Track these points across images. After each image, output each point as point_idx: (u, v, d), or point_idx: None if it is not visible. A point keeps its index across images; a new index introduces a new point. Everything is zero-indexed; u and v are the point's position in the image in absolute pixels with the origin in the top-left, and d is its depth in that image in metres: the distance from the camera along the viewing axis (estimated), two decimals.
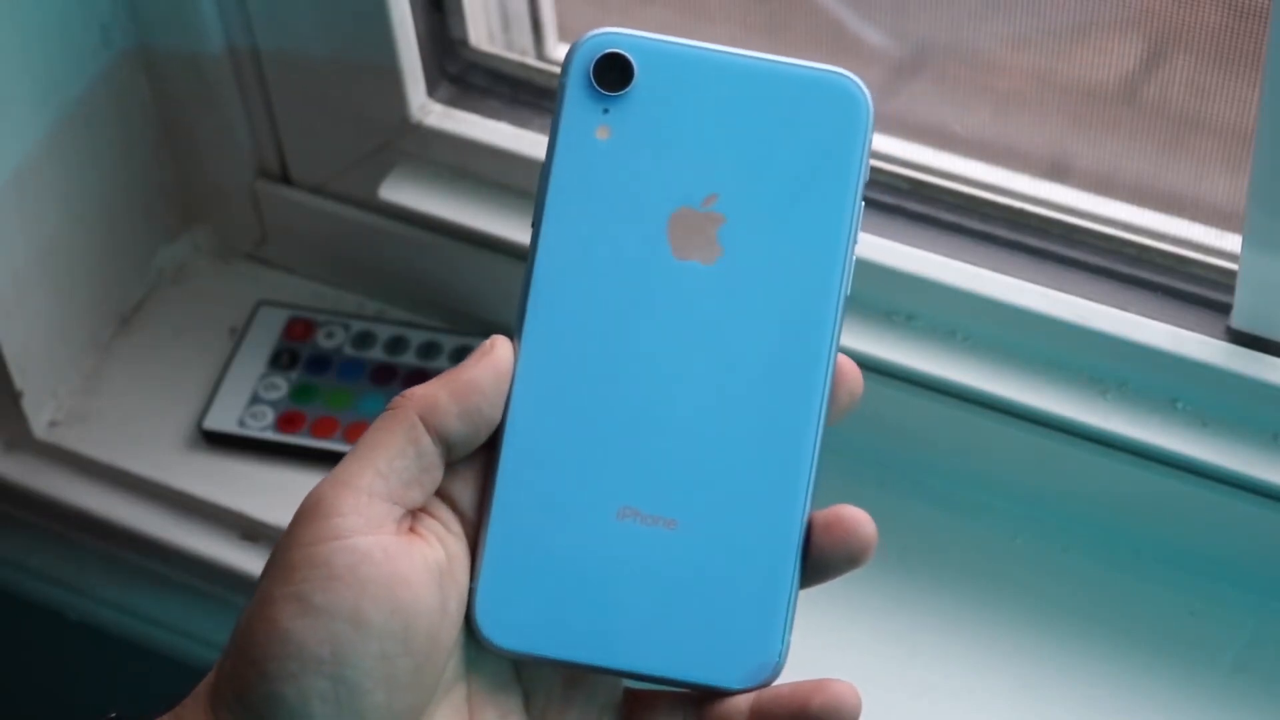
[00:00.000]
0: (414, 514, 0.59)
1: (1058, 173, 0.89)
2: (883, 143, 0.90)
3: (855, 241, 0.60)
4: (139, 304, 1.03)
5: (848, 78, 0.60)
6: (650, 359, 0.59)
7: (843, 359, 0.60)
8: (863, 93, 0.60)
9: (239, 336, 0.99)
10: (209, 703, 0.57)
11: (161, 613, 0.99)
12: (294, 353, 0.98)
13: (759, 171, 0.59)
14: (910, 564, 0.88)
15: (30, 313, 0.95)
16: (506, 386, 0.59)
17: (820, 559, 0.59)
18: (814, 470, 0.59)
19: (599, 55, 0.60)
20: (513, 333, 0.59)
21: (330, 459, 0.94)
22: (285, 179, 1.01)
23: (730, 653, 0.58)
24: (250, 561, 0.93)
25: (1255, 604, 0.85)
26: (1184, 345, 0.82)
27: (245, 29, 0.94)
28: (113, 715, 0.61)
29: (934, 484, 0.90)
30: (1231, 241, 0.84)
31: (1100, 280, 0.86)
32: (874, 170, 0.89)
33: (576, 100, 0.60)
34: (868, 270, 0.86)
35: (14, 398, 0.96)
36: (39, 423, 0.98)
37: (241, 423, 0.96)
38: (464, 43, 0.96)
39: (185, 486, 0.95)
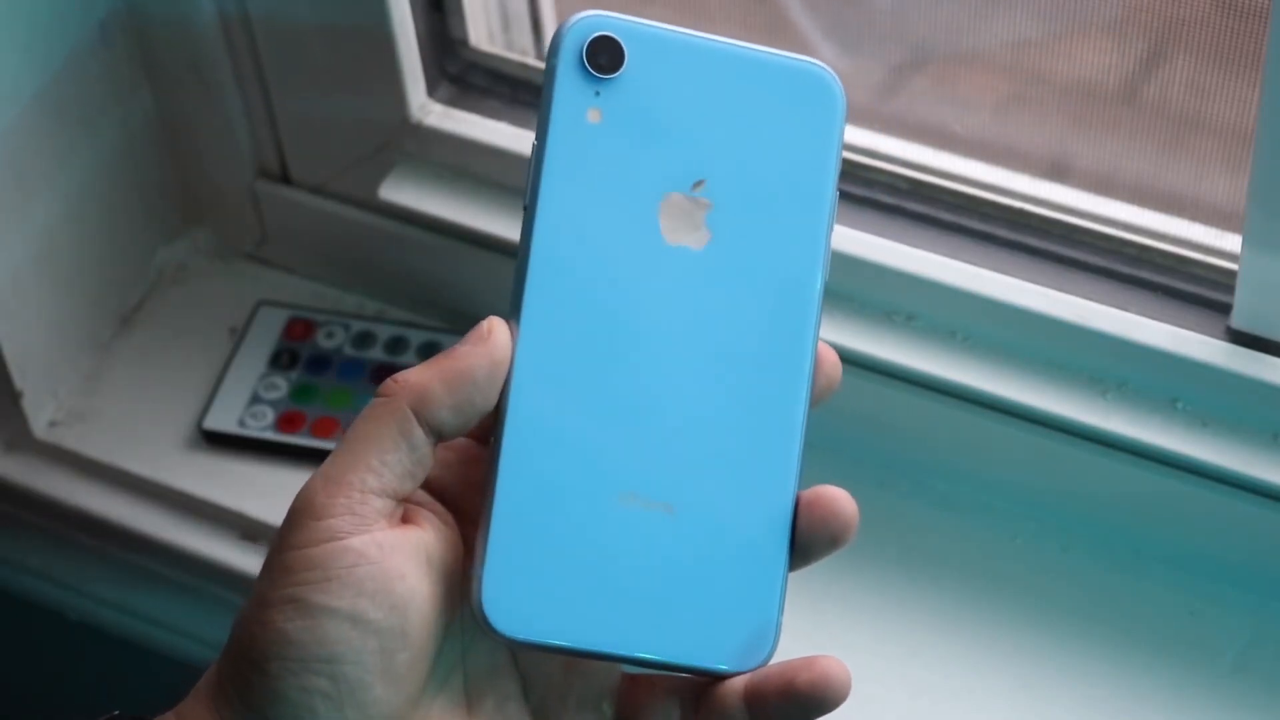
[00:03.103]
0: (403, 501, 0.59)
1: (1058, 173, 0.89)
2: (883, 143, 0.90)
3: (832, 228, 0.60)
4: (139, 304, 1.03)
5: (822, 69, 0.60)
6: (645, 344, 0.59)
7: (821, 346, 0.60)
8: (836, 84, 0.60)
9: (239, 336, 0.99)
10: (211, 701, 0.57)
11: (161, 613, 0.99)
12: (294, 353, 0.98)
13: (743, 157, 0.60)
14: (910, 564, 0.88)
15: (30, 313, 0.95)
16: (501, 375, 0.58)
17: (803, 540, 0.59)
18: (801, 453, 0.59)
19: (591, 37, 0.59)
20: (508, 315, 0.59)
21: None
22: (285, 179, 1.01)
23: (726, 635, 0.58)
24: (250, 561, 0.93)
25: (1255, 604, 0.85)
26: (1184, 345, 0.82)
27: (245, 27, 0.94)
28: (115, 713, 0.61)
29: (934, 484, 0.90)
30: (1231, 241, 0.84)
31: (1100, 280, 0.86)
32: (874, 170, 0.89)
33: (568, 82, 0.59)
34: (868, 270, 0.87)
35: (14, 398, 0.96)
36: (39, 423, 0.98)
37: (241, 423, 0.96)
38: (464, 43, 0.96)
39: (185, 486, 0.95)
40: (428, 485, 0.59)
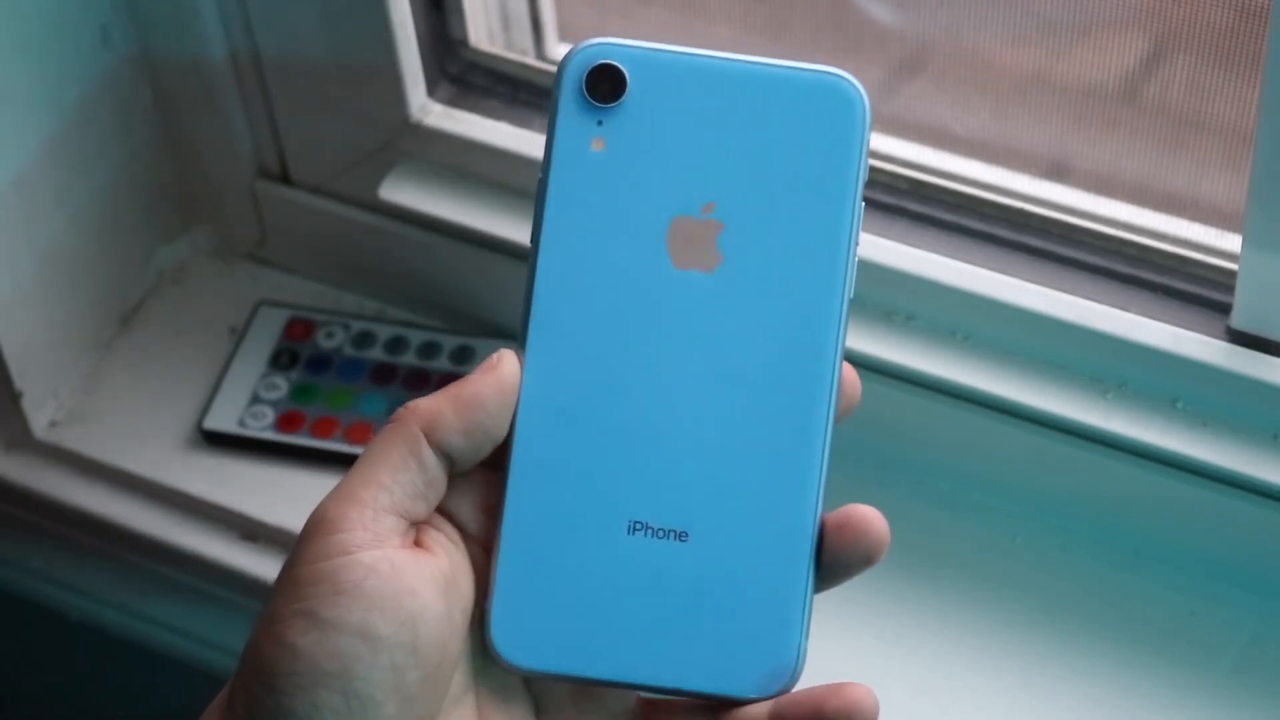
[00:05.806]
0: (417, 526, 0.59)
1: (1058, 173, 0.89)
2: (883, 143, 0.90)
3: (857, 243, 0.60)
4: (139, 304, 1.03)
5: (843, 78, 0.60)
6: (655, 370, 0.59)
7: (844, 366, 0.60)
8: (859, 92, 0.60)
9: (239, 336, 0.99)
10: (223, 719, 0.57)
11: (162, 613, 0.99)
12: (294, 353, 0.98)
13: (757, 176, 0.59)
14: (910, 564, 0.88)
15: (30, 313, 0.95)
16: (512, 403, 0.58)
17: (834, 561, 0.59)
18: (823, 474, 0.59)
19: (591, 67, 0.59)
20: (516, 346, 0.59)
21: (330, 459, 0.94)
22: (285, 179, 1.01)
23: (748, 661, 0.58)
24: (250, 562, 0.93)
25: (1255, 604, 0.85)
26: (1184, 345, 0.82)
27: (245, 29, 0.94)
28: None
29: (934, 484, 0.90)
30: (1231, 241, 0.84)
31: (1100, 280, 0.86)
32: (874, 170, 0.89)
33: (570, 113, 0.59)
34: (868, 270, 0.86)
35: (14, 398, 0.96)
36: (39, 423, 0.98)
37: (241, 423, 0.96)
38: (464, 43, 0.96)
39: (185, 486, 0.95)
40: (444, 512, 0.59)
